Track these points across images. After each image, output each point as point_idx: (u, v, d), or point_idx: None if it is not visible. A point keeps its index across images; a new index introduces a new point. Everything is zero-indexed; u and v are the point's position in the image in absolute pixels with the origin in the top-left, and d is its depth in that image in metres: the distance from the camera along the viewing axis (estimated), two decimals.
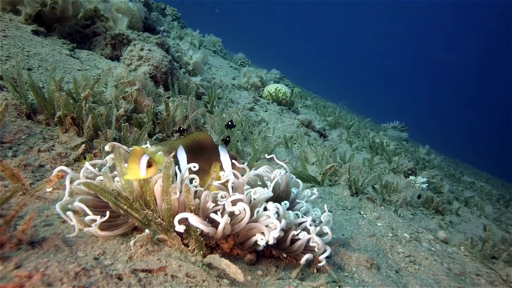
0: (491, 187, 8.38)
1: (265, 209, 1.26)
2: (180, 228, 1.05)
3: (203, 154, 1.36)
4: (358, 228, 2.06)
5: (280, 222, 1.19)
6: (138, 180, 1.14)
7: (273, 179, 1.41)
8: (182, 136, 2.55)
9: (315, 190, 1.64)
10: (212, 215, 1.12)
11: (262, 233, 1.18)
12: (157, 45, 3.55)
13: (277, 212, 1.24)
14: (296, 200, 1.53)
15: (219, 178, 1.31)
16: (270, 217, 1.20)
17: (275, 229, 1.17)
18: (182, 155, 1.33)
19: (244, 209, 1.15)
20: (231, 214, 1.18)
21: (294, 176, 1.59)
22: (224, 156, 1.38)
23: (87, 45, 3.62)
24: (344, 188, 2.72)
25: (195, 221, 1.07)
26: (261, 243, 1.16)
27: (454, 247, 2.28)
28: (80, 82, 2.28)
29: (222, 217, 1.12)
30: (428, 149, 8.50)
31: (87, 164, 1.27)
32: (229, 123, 2.86)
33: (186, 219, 1.10)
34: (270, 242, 1.17)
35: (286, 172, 1.49)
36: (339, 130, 5.63)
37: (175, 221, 1.06)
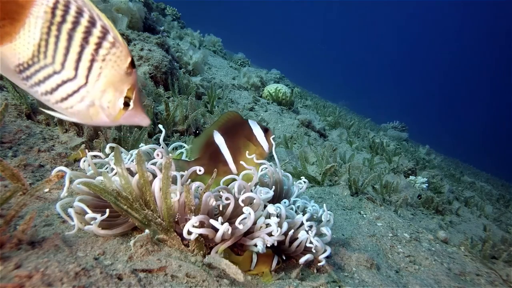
0: (491, 187, 8.38)
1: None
2: (192, 236, 1.06)
3: (237, 132, 1.38)
4: (358, 228, 2.06)
5: (281, 227, 1.20)
6: (137, 181, 1.15)
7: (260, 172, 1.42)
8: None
9: (303, 178, 1.64)
10: (212, 221, 1.11)
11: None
12: (157, 45, 3.55)
13: (278, 214, 1.24)
14: (291, 198, 1.53)
15: (253, 164, 1.34)
16: (271, 222, 1.20)
17: (276, 232, 1.17)
18: (219, 139, 1.35)
19: (250, 213, 1.14)
20: (231, 218, 1.18)
21: (283, 171, 1.59)
22: (256, 129, 1.40)
23: None
24: (344, 188, 2.72)
25: (198, 220, 1.07)
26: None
27: (454, 247, 2.28)
28: None
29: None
30: (428, 149, 8.50)
31: (88, 157, 1.27)
32: None
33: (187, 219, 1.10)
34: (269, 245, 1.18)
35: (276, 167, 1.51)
36: (339, 130, 5.63)
37: (184, 232, 1.07)
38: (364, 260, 1.54)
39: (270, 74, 8.45)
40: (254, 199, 1.19)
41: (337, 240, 1.75)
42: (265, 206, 1.28)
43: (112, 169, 1.29)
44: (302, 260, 1.25)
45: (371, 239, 1.97)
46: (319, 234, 1.38)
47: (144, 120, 0.86)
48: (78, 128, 1.83)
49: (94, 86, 0.75)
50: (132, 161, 1.35)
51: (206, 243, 1.16)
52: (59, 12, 0.69)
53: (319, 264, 1.30)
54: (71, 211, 1.08)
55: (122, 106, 0.80)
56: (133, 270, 0.97)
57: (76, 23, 0.70)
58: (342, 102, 13.42)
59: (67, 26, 0.70)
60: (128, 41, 3.59)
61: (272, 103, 5.35)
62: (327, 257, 1.31)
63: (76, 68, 0.73)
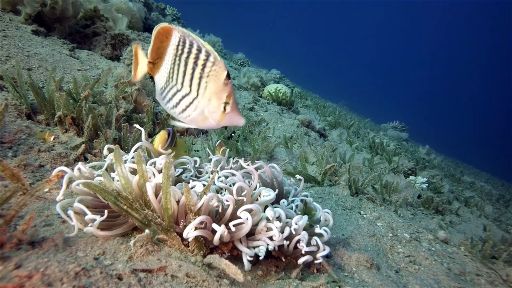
0: (491, 187, 8.38)
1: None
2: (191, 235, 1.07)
3: None
4: (358, 228, 2.06)
5: (283, 231, 1.20)
6: (137, 181, 1.15)
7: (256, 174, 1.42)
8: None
9: (298, 176, 1.65)
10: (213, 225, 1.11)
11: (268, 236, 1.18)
12: None
13: (278, 217, 1.24)
14: (289, 197, 1.53)
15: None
16: (272, 229, 1.20)
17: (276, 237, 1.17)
18: None
19: (247, 218, 1.14)
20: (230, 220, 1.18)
21: (278, 168, 1.60)
22: None
23: (87, 45, 3.63)
24: (344, 188, 2.72)
25: (198, 221, 1.07)
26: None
27: (454, 247, 2.28)
28: (80, 82, 2.28)
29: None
30: (428, 149, 8.50)
31: (80, 165, 1.27)
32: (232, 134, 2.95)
33: (188, 220, 1.10)
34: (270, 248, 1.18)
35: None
36: (339, 130, 5.63)
37: (185, 234, 1.07)
38: (364, 260, 1.54)
39: (270, 74, 8.45)
40: (252, 209, 1.18)
41: (337, 240, 1.75)
42: (266, 206, 1.28)
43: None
44: (301, 260, 1.25)
45: (371, 239, 1.97)
46: (319, 235, 1.38)
47: (240, 121, 1.03)
48: (78, 128, 1.83)
49: (203, 97, 0.97)
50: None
51: (206, 244, 1.17)
52: (179, 47, 0.95)
53: (315, 261, 1.30)
54: (71, 212, 1.08)
55: (223, 110, 0.99)
56: (133, 270, 0.97)
57: (189, 52, 0.94)
58: (342, 102, 13.41)
59: (184, 55, 0.95)
60: (128, 41, 3.59)
61: (272, 103, 5.35)
62: (327, 257, 1.31)
63: (190, 85, 0.96)
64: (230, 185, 1.39)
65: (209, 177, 1.46)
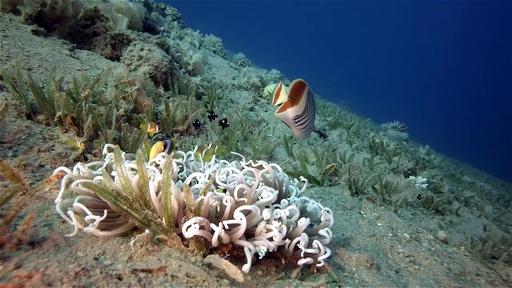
0: (491, 187, 8.38)
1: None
2: (190, 234, 1.07)
3: None
4: (358, 228, 2.06)
5: (281, 232, 1.20)
6: (137, 181, 1.15)
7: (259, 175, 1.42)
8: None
9: (302, 178, 1.67)
10: (212, 225, 1.11)
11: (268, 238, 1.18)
12: (157, 45, 3.55)
13: (279, 218, 1.24)
14: (288, 198, 1.53)
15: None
16: (272, 229, 1.20)
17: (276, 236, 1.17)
18: None
19: (241, 218, 1.13)
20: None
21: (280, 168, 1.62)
22: None
23: (87, 45, 3.62)
24: (344, 188, 2.72)
25: (195, 221, 1.07)
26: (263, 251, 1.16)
27: (454, 247, 2.28)
28: (80, 82, 2.28)
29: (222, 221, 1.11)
30: (428, 149, 8.50)
31: (78, 165, 1.27)
32: (223, 121, 2.92)
33: (187, 217, 1.10)
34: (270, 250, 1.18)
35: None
36: (339, 130, 5.63)
37: (183, 229, 1.07)
38: (364, 260, 1.54)
39: (270, 74, 8.45)
40: (251, 210, 1.18)
41: (337, 240, 1.75)
42: (267, 206, 1.28)
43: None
44: (300, 262, 1.25)
45: (371, 239, 1.97)
46: (319, 235, 1.38)
47: None
48: (78, 128, 1.83)
49: (313, 117, 1.56)
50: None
51: (206, 244, 1.16)
52: (309, 93, 1.48)
53: (317, 265, 1.30)
54: (70, 212, 1.08)
55: None
56: (133, 270, 0.97)
57: (312, 96, 1.50)
58: (342, 102, 13.41)
59: (311, 99, 1.50)
60: (128, 41, 3.59)
61: None
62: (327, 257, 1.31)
63: (313, 115, 1.55)
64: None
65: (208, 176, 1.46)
